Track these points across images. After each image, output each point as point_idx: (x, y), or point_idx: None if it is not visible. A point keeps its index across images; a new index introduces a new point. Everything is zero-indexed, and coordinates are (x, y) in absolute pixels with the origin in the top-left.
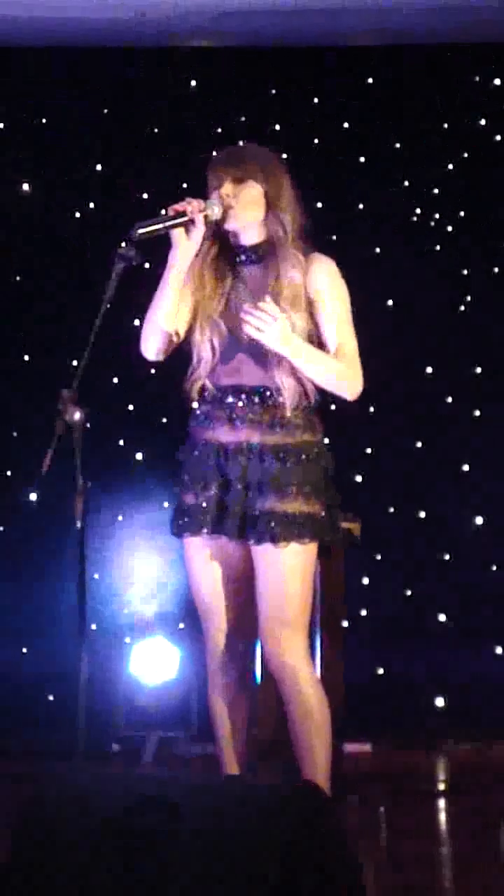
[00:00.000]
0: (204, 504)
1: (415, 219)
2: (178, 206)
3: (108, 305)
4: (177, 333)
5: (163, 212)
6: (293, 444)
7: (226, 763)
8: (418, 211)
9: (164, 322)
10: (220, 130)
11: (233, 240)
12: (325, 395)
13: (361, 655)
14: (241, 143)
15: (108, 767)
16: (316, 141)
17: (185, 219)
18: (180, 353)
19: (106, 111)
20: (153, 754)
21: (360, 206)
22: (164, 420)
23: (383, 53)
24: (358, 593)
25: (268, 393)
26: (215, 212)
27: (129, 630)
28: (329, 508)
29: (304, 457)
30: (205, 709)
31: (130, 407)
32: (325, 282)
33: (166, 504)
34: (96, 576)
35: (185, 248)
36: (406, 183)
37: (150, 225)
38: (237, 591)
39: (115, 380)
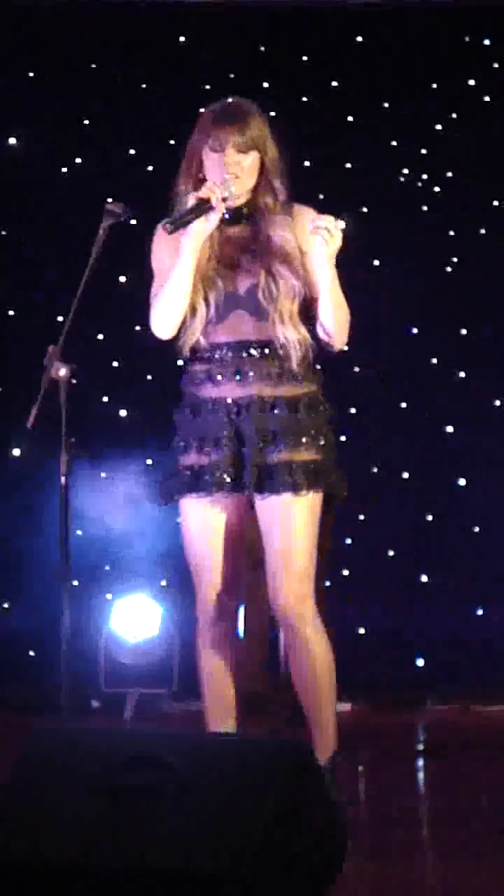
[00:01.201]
0: (216, 463)
1: (402, 179)
2: (202, 194)
3: (95, 261)
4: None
5: (190, 201)
6: (301, 395)
7: (212, 720)
8: (405, 171)
9: (181, 303)
10: (208, 87)
11: None
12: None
13: (343, 615)
14: (229, 99)
15: (88, 724)
16: (304, 99)
17: (209, 206)
18: None
19: (94, 66)
20: (132, 711)
21: (348, 165)
22: (150, 377)
23: (373, 13)
24: (341, 553)
25: (272, 347)
26: (232, 192)
27: (110, 587)
28: (334, 458)
29: (311, 407)
30: (186, 666)
31: (115, 364)
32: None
33: (149, 461)
34: (79, 532)
35: (202, 231)
36: (394, 143)
37: (180, 220)
38: (230, 549)
39: (101, 336)
